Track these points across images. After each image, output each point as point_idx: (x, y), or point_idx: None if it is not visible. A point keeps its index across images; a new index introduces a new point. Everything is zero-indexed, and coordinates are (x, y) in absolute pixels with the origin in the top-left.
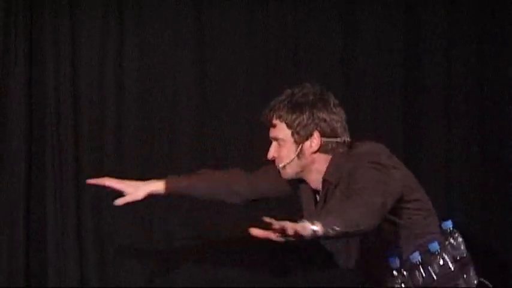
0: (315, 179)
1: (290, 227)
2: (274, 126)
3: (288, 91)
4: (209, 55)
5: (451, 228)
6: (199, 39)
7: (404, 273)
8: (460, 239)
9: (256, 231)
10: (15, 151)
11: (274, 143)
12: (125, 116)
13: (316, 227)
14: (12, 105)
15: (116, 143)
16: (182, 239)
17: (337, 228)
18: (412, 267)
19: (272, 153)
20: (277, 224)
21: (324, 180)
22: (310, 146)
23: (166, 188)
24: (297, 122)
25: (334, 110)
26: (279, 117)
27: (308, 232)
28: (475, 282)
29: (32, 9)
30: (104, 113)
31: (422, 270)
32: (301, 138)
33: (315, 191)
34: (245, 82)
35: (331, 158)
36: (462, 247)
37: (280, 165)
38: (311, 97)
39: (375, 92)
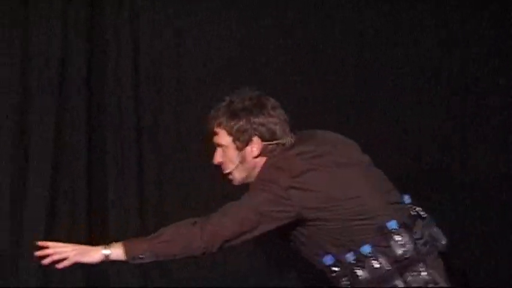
0: None
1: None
2: (216, 133)
3: (227, 98)
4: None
5: (395, 229)
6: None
7: (336, 269)
8: (404, 239)
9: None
10: (76, 144)
11: (218, 149)
12: (184, 106)
13: (109, 251)
14: (72, 97)
15: (176, 135)
16: None
17: (143, 257)
18: (348, 266)
19: (217, 158)
20: (50, 249)
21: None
22: (251, 151)
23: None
24: (235, 128)
25: (271, 113)
26: (219, 125)
27: (95, 258)
28: (425, 278)
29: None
30: (163, 104)
31: (357, 269)
32: (241, 144)
33: None
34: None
35: (264, 162)
36: (406, 247)
37: (227, 171)
38: (247, 103)
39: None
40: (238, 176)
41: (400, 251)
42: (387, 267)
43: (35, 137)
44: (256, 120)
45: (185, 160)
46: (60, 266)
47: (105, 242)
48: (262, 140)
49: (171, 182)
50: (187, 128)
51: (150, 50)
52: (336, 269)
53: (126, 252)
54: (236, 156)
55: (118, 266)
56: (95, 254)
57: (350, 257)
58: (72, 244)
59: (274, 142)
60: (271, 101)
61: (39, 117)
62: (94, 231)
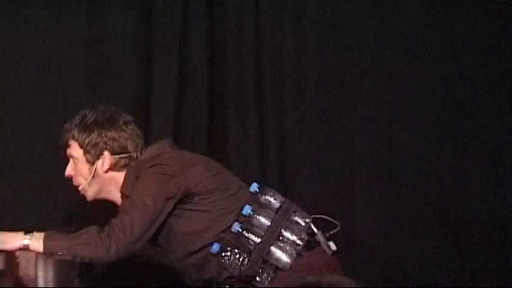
0: (118, 198)
1: None
2: (69, 146)
3: (82, 112)
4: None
5: (258, 189)
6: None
7: (228, 249)
8: (269, 195)
9: None
10: (198, 114)
11: (71, 161)
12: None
13: (29, 242)
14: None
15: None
16: None
17: (61, 254)
18: (238, 237)
19: (69, 171)
20: None
21: (122, 194)
22: (102, 165)
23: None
24: (86, 141)
25: (123, 127)
26: (72, 137)
27: (15, 246)
28: (304, 222)
29: None
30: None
31: (247, 234)
32: (92, 157)
33: None
34: None
35: (125, 172)
36: (275, 199)
37: (80, 188)
38: (100, 118)
39: None
40: (90, 191)
41: (275, 202)
42: (270, 218)
43: (157, 104)
44: (108, 134)
45: (307, 129)
46: None
47: None
48: (113, 154)
49: (293, 148)
50: (308, 95)
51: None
52: (227, 253)
53: (45, 247)
54: (87, 170)
55: None
56: (15, 242)
57: (236, 226)
58: None
59: (125, 155)
60: (124, 116)
61: (160, 85)
62: None
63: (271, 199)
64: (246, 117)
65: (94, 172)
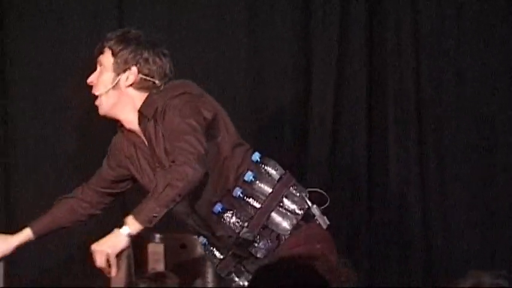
0: (131, 119)
1: (99, 258)
2: (102, 52)
3: (127, 28)
4: None
5: (259, 159)
6: None
7: (230, 211)
8: (270, 165)
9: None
10: (356, 114)
11: (97, 69)
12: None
13: (128, 230)
14: (352, 68)
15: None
16: None
17: (157, 215)
18: (239, 201)
19: (92, 77)
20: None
21: (140, 113)
22: (127, 78)
23: (34, 233)
24: (120, 52)
25: (160, 55)
26: (108, 45)
27: (123, 241)
28: (302, 195)
29: None
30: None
31: (248, 199)
32: (119, 68)
33: (133, 133)
34: None
35: (147, 94)
36: (276, 170)
37: (97, 93)
38: (142, 37)
39: None
40: (105, 102)
41: (276, 173)
42: (270, 188)
43: (316, 101)
44: (143, 53)
45: (463, 129)
46: (112, 272)
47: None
48: (139, 73)
49: (448, 150)
50: (465, 100)
51: (430, 21)
52: (228, 214)
53: (141, 221)
54: (111, 78)
55: None
56: (120, 240)
57: (237, 191)
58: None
59: (150, 79)
60: (164, 48)
61: (320, 83)
62: (374, 194)
63: (272, 170)
64: (406, 128)
65: (116, 83)
